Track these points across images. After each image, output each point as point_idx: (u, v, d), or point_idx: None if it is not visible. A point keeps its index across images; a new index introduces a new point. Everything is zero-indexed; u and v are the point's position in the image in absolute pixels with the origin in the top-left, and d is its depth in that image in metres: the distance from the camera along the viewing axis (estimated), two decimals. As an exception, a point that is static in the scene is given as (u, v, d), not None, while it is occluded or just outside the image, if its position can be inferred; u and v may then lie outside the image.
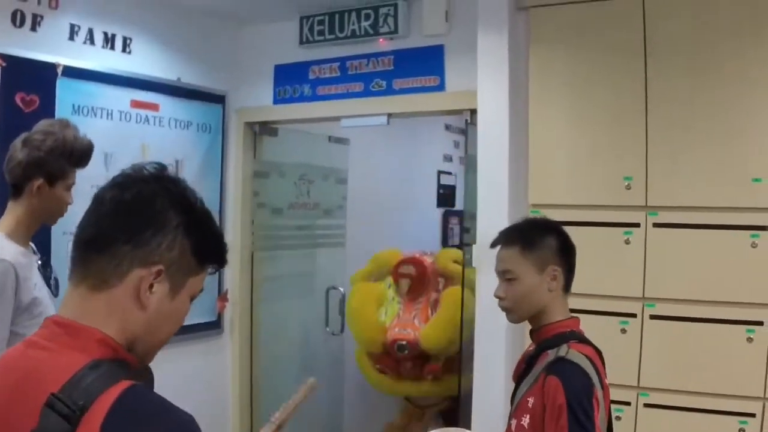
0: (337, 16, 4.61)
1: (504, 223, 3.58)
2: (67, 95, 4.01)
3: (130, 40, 4.37)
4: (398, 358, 4.89)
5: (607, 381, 2.33)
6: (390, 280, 5.16)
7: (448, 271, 4.94)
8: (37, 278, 2.72)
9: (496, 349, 3.75)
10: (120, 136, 4.26)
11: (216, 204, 4.91)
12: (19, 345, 1.38)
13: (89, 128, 3.88)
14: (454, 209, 7.42)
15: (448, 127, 7.17)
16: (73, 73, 4.02)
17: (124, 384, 1.25)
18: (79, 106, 4.08)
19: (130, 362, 1.35)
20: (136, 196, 1.38)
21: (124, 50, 4.35)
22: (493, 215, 3.72)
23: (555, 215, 3.46)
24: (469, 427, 3.61)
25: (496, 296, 2.46)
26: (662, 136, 3.43)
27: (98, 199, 1.39)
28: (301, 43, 4.78)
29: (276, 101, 4.95)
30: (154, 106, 4.52)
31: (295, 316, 5.54)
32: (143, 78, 4.43)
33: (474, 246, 3.85)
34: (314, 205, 5.60)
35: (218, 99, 4.97)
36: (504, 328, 3.63)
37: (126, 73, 4.34)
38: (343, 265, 5.73)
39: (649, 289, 3.45)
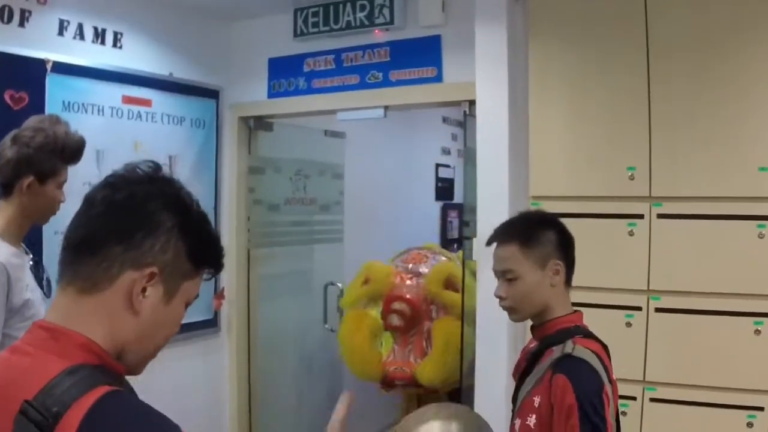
0: (331, 7, 4.53)
1: (504, 216, 3.52)
2: (57, 92, 3.94)
3: (121, 34, 4.30)
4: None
5: (614, 376, 2.26)
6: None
7: (440, 300, 4.84)
8: (29, 279, 2.66)
9: (497, 344, 3.70)
10: (112, 132, 4.19)
11: (211, 201, 4.86)
12: (4, 351, 1.32)
13: (80, 125, 3.80)
14: (452, 202, 7.40)
15: (445, 120, 7.14)
16: (63, 69, 3.95)
17: (103, 389, 1.18)
18: (69, 103, 4.01)
19: (116, 371, 1.29)
20: (129, 196, 1.32)
21: (114, 45, 4.27)
22: (493, 208, 3.66)
23: (556, 207, 3.43)
24: None
25: (497, 296, 2.38)
26: (666, 125, 3.37)
27: (89, 200, 1.33)
28: (296, 35, 4.70)
29: (270, 95, 4.88)
30: (146, 102, 4.46)
31: (293, 313, 5.49)
32: (135, 73, 4.36)
33: (474, 239, 3.80)
34: (311, 200, 5.54)
35: (212, 94, 4.90)
36: (506, 322, 3.50)
37: (117, 68, 4.26)
38: (341, 260, 5.68)
39: (654, 281, 3.39)
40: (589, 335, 2.29)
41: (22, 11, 3.76)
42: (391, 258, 5.32)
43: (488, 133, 3.74)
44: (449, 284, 4.81)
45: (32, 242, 2.94)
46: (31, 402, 1.14)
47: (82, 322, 1.26)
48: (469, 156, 4.07)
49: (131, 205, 1.31)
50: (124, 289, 1.28)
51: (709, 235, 3.30)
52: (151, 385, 4.25)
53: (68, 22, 4.00)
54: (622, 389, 2.50)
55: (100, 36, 4.19)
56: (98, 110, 4.17)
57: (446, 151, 7.39)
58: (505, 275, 2.34)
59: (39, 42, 3.86)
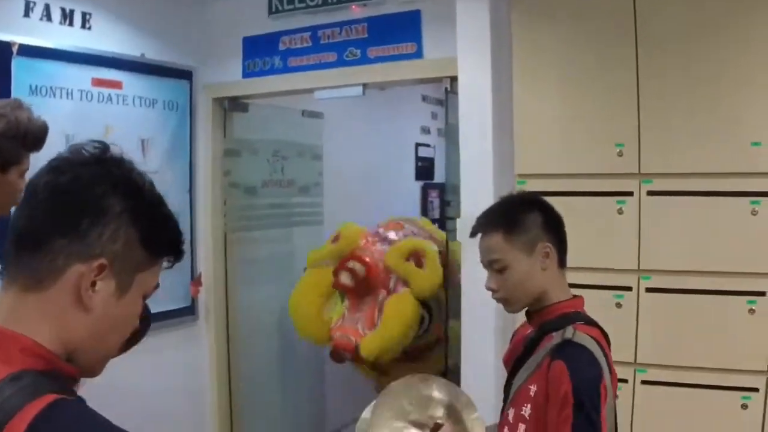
0: (307, -18, 4.39)
1: (489, 195, 3.50)
2: (23, 75, 3.79)
3: (90, 15, 4.14)
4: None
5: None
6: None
7: (397, 271, 4.61)
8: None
9: (484, 327, 3.62)
10: (82, 116, 4.05)
11: (186, 185, 4.74)
12: None
13: (49, 109, 3.67)
14: (433, 182, 7.31)
15: (425, 98, 7.05)
16: (29, 51, 3.80)
17: (48, 398, 1.06)
18: (36, 87, 3.86)
19: (69, 374, 1.17)
20: (73, 181, 1.18)
21: (83, 26, 4.12)
22: (477, 187, 3.58)
23: (542, 185, 3.37)
24: None
25: (488, 289, 2.27)
26: (655, 100, 3.27)
27: (32, 187, 1.21)
28: (271, 12, 4.56)
29: (245, 75, 4.74)
30: (117, 84, 4.31)
31: (273, 298, 5.36)
32: (105, 55, 4.21)
33: (458, 219, 3.69)
34: (289, 182, 5.42)
35: (185, 75, 4.76)
36: (493, 305, 3.43)
37: (86, 50, 4.11)
38: (321, 243, 5.45)
39: (644, 260, 3.30)
40: (590, 322, 2.18)
41: (-15, -8, 3.61)
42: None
43: (471, 110, 3.64)
44: (414, 258, 4.61)
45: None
46: None
47: (27, 322, 1.14)
48: (451, 134, 3.98)
49: (76, 189, 1.18)
50: (71, 285, 1.16)
51: (701, 213, 3.22)
52: (126, 378, 4.18)
53: (34, 2, 3.85)
54: (613, 372, 2.42)
55: (67, 17, 4.03)
56: (67, 94, 4.03)
57: (426, 130, 7.30)
58: (492, 266, 2.24)
59: (4, 24, 3.71)
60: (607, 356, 2.09)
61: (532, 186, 3.43)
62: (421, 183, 7.29)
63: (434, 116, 7.22)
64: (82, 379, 1.27)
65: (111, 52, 4.25)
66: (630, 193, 3.32)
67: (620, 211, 3.33)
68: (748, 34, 3.13)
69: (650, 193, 3.29)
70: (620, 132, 3.32)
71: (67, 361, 1.18)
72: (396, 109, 6.51)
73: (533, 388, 2.10)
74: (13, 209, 2.62)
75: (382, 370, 4.72)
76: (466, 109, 3.65)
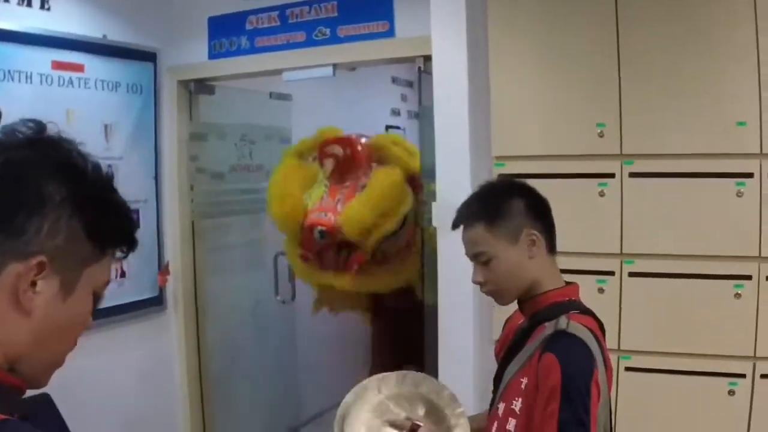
0: (274, -41, 4.24)
1: (466, 178, 3.40)
2: (-20, 59, 3.62)
3: (49, -5, 3.98)
4: (319, 246, 4.50)
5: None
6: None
7: (385, 152, 4.49)
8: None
9: (462, 313, 3.52)
10: (41, 101, 3.89)
11: (151, 170, 4.60)
12: None
13: (6, 94, 3.52)
14: (404, 165, 7.15)
15: (395, 80, 6.91)
16: (-14, 33, 3.63)
17: None
18: (-6, 70, 3.71)
19: (10, 386, 1.04)
20: (4, 167, 1.04)
21: (42, 7, 3.95)
22: (453, 170, 3.48)
23: (521, 168, 3.29)
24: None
25: (475, 282, 2.17)
26: (637, 78, 3.17)
27: None
28: (237, -9, 4.43)
29: (212, 56, 4.60)
30: (78, 67, 4.15)
31: (243, 285, 5.26)
32: (65, 36, 4.04)
33: (434, 203, 3.58)
34: (257, 167, 5.28)
35: (149, 57, 4.59)
36: (470, 293, 3.40)
37: (45, 31, 3.94)
38: (290, 229, 5.41)
39: (627, 244, 3.22)
40: (585, 311, 2.08)
41: (-64, -30, 3.43)
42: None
43: (446, 90, 3.52)
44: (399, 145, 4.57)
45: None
46: None
47: None
48: (425, 115, 3.85)
49: (8, 178, 1.04)
50: (8, 287, 1.03)
51: (685, 195, 3.13)
52: (92, 372, 4.06)
53: (-10, -17, 3.68)
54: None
55: (25, -3, 3.87)
56: (26, 77, 3.86)
57: (396, 113, 7.18)
58: (477, 259, 2.13)
59: (-43, 6, 3.54)
60: (602, 347, 1.99)
61: (511, 169, 3.34)
62: (392, 165, 7.14)
63: (404, 98, 7.09)
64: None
65: (71, 34, 4.09)
66: (611, 175, 3.23)
67: (602, 194, 3.24)
68: (732, 10, 3.03)
69: (632, 174, 3.20)
70: (601, 112, 3.23)
71: (8, 372, 1.05)
72: (365, 92, 6.40)
73: (524, 381, 2.00)
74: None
75: (362, 281, 4.58)
76: (440, 90, 3.53)
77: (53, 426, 3.14)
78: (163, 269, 4.67)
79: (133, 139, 4.47)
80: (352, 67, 4.58)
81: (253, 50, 4.44)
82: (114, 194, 1.14)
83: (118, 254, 1.16)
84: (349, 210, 4.29)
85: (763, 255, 3.02)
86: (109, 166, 4.20)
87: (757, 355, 3.04)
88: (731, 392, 3.07)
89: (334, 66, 4.18)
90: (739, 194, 3.03)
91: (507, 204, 2.12)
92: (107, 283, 1.16)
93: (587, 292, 3.08)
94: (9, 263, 1.02)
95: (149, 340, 4.66)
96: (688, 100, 3.09)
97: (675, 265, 3.14)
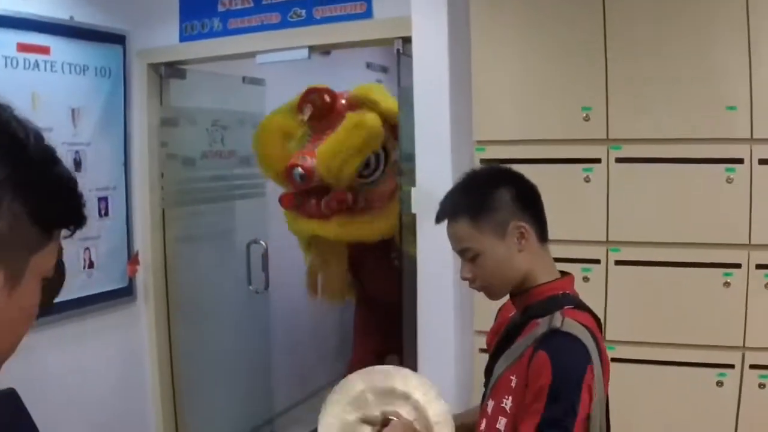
0: (247, -64, 4.13)
1: (447, 163, 3.31)
2: (-61, 41, 3.49)
3: (13, -26, 3.82)
4: (305, 191, 4.54)
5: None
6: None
7: (363, 98, 4.54)
8: None
9: (442, 303, 3.45)
10: (6, 84, 3.74)
11: (120, 157, 4.46)
12: None
13: (-31, 77, 3.37)
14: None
15: (369, 65, 6.85)
16: (-54, 15, 3.50)
17: None
18: (-45, 53, 3.57)
19: None
20: None
21: (6, -14, 3.80)
22: (433, 154, 3.40)
23: (504, 152, 3.20)
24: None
25: (464, 278, 2.05)
26: (624, 60, 3.08)
27: None
28: (209, -30, 4.30)
29: (183, 39, 4.46)
30: (44, 50, 4.00)
31: (215, 275, 5.15)
32: (30, 18, 3.89)
33: (413, 189, 3.49)
34: (230, 153, 5.16)
35: (117, 39, 4.45)
36: (452, 278, 3.34)
37: (9, 12, 3.79)
38: (263, 216, 5.37)
39: (613, 231, 3.15)
40: (580, 305, 1.97)
41: None
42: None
43: (426, 73, 3.42)
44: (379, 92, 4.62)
45: None
46: None
47: None
48: (404, 99, 3.75)
49: None
50: None
51: (673, 181, 3.06)
52: (59, 365, 3.94)
53: (-51, -39, 3.54)
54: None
55: (-12, -24, 3.72)
56: (-10, 60, 3.72)
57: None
58: (464, 255, 2.01)
59: None
60: (599, 344, 1.88)
61: (492, 153, 3.25)
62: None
63: (378, 82, 7.01)
64: (5, 365, 1.01)
65: (37, 15, 3.93)
66: (597, 160, 3.15)
67: (587, 180, 3.16)
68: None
69: (619, 160, 3.12)
70: (586, 95, 3.14)
71: None
72: (339, 77, 6.28)
73: (514, 379, 1.89)
74: None
75: (345, 229, 4.61)
76: (420, 72, 3.44)
77: (18, 421, 3.05)
78: (132, 259, 4.55)
79: (102, 125, 4.33)
80: (328, 50, 4.50)
81: (226, 32, 4.31)
82: (59, 167, 1.00)
83: (65, 233, 1.03)
84: (320, 150, 4.37)
85: (752, 243, 2.97)
86: (77, 152, 4.09)
87: (746, 346, 2.99)
88: (720, 383, 3.02)
89: (310, 48, 4.07)
90: (729, 180, 2.96)
91: (492, 194, 2.00)
92: (53, 267, 1.03)
93: (572, 281, 3.03)
94: None
95: (118, 332, 4.54)
96: (677, 82, 3.01)
97: (662, 253, 3.08)
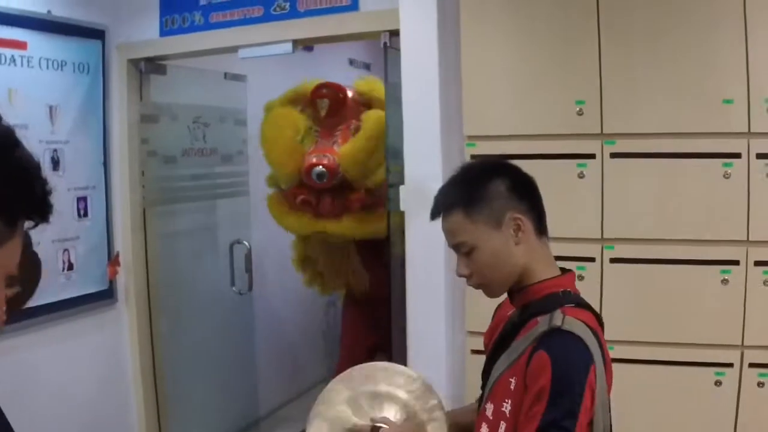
0: (229, -73, 4.06)
1: (437, 160, 3.25)
2: None
3: (-12, -34, 3.73)
4: (317, 189, 4.57)
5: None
6: (308, 111, 4.84)
7: (370, 96, 4.64)
8: None
9: (432, 301, 3.40)
10: (-20, 80, 3.67)
11: (100, 155, 4.36)
12: None
13: (-57, 73, 3.28)
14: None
15: (352, 62, 6.83)
16: None
17: None
18: (-73, 48, 3.47)
19: None
20: None
21: (-20, -21, 3.70)
22: (423, 151, 3.34)
23: (495, 148, 3.14)
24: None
25: (460, 275, 1.96)
26: (618, 53, 3.03)
27: None
28: (189, -37, 4.22)
29: (163, 33, 4.37)
30: (20, 45, 3.90)
31: (198, 276, 5.07)
32: (6, 11, 3.79)
33: (402, 187, 3.43)
34: (212, 150, 5.08)
35: (96, 34, 4.35)
36: (442, 277, 3.30)
37: (-16, 6, 3.70)
38: (247, 216, 5.29)
39: (608, 229, 3.09)
40: (581, 303, 1.89)
41: None
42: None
43: (414, 66, 3.36)
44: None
45: None
46: None
47: None
48: (391, 93, 3.69)
49: None
50: None
51: (669, 176, 3.01)
52: (39, 370, 3.84)
53: None
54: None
55: (-39, -32, 3.62)
56: (-36, 56, 3.64)
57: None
58: (459, 249, 1.93)
59: None
60: (601, 344, 1.80)
61: (483, 149, 3.20)
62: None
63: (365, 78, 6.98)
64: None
65: (13, 9, 3.83)
66: (592, 156, 3.09)
67: (581, 175, 3.10)
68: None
69: (614, 155, 3.07)
70: (580, 88, 3.08)
71: None
72: (322, 74, 6.24)
73: (513, 381, 1.81)
74: None
75: (356, 226, 4.66)
76: (409, 66, 3.37)
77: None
78: (112, 260, 4.46)
79: (80, 122, 4.24)
80: (312, 44, 4.46)
81: (208, 26, 4.23)
82: (20, 152, 0.90)
83: (27, 224, 0.94)
84: (347, 149, 4.44)
85: (751, 239, 2.92)
86: (55, 150, 3.99)
87: (744, 344, 2.95)
88: (718, 383, 2.97)
89: (294, 42, 3.99)
90: (726, 175, 2.91)
91: (486, 186, 1.92)
92: (18, 263, 0.94)
93: (566, 279, 2.97)
94: None
95: (99, 336, 4.45)
96: (673, 75, 2.96)
97: (659, 251, 3.03)
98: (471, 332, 3.29)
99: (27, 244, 2.20)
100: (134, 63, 4.50)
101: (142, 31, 4.42)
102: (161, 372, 4.74)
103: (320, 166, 4.38)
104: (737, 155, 2.90)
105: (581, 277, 3.05)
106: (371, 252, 4.88)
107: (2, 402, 2.86)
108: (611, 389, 1.86)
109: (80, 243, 4.20)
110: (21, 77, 3.87)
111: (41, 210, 0.94)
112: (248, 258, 5.07)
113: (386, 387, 2.14)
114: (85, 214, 4.25)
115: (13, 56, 3.84)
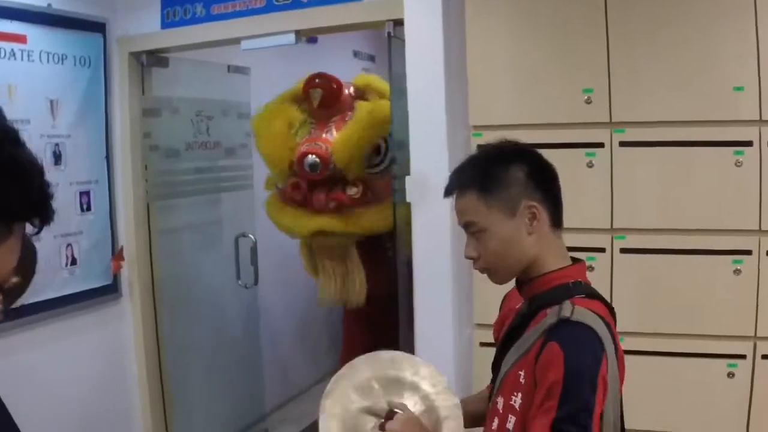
0: None
1: (442, 150, 3.20)
2: None
3: (-14, -41, 3.67)
4: (311, 183, 4.48)
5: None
6: (304, 105, 4.76)
7: (368, 88, 4.63)
8: None
9: (439, 294, 3.35)
10: (-22, 75, 3.62)
11: (102, 150, 4.32)
12: None
13: (-58, 67, 3.24)
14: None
15: (356, 54, 6.79)
16: None
17: None
18: (-75, 42, 3.42)
19: None
20: None
21: (-21, -28, 3.65)
22: (428, 141, 3.29)
23: (502, 138, 3.05)
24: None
25: (468, 257, 1.91)
26: (626, 40, 2.98)
27: None
28: (190, -47, 4.18)
29: (164, 25, 4.32)
30: (20, 38, 3.84)
31: (202, 271, 5.01)
32: (5, 5, 3.74)
33: (408, 178, 3.38)
34: (215, 144, 5.02)
35: (97, 27, 4.30)
36: (448, 269, 3.26)
37: (-18, -1, 3.65)
38: (251, 209, 5.22)
39: (618, 218, 3.05)
40: (592, 294, 1.84)
41: None
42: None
43: (419, 56, 3.30)
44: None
45: None
46: None
47: None
48: (395, 84, 3.63)
49: None
50: None
51: (680, 165, 2.96)
52: (42, 366, 3.80)
53: None
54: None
55: (-41, -39, 3.57)
56: (-39, 49, 3.58)
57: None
58: (468, 229, 1.88)
59: None
60: (613, 335, 1.76)
61: (490, 139, 3.02)
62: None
63: (366, 73, 6.92)
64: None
65: (13, 2, 3.78)
66: (600, 145, 3.05)
67: (590, 165, 3.06)
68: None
69: (623, 143, 3.02)
70: (588, 76, 3.04)
71: None
72: (326, 66, 6.19)
73: (522, 375, 1.76)
74: None
75: (351, 220, 4.57)
76: (413, 55, 3.32)
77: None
78: (116, 255, 4.41)
79: (82, 116, 4.19)
80: (315, 34, 4.39)
81: (210, 18, 4.18)
82: (20, 151, 0.86)
83: (30, 229, 0.89)
84: (338, 137, 4.35)
85: (763, 228, 2.89)
86: (56, 144, 3.95)
87: (757, 335, 2.91)
88: (731, 374, 2.93)
89: (297, 33, 3.93)
90: (738, 164, 2.87)
91: (505, 170, 1.86)
92: (15, 269, 0.90)
93: (575, 270, 2.93)
94: None
95: (103, 331, 4.41)
96: (682, 62, 2.91)
97: (669, 241, 2.99)
98: (479, 324, 3.25)
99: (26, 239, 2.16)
100: (135, 56, 4.45)
101: (143, 24, 4.37)
102: (166, 366, 4.70)
103: (313, 155, 4.30)
104: (749, 143, 2.85)
105: (591, 268, 3.00)
106: (371, 251, 4.81)
107: (5, 399, 2.84)
108: (623, 382, 1.81)
109: (83, 238, 4.16)
110: (21, 71, 3.83)
111: (39, 213, 0.90)
112: (254, 251, 5.02)
113: (409, 377, 2.10)
114: (88, 209, 4.21)
115: (12, 50, 3.78)
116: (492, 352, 2.00)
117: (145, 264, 4.60)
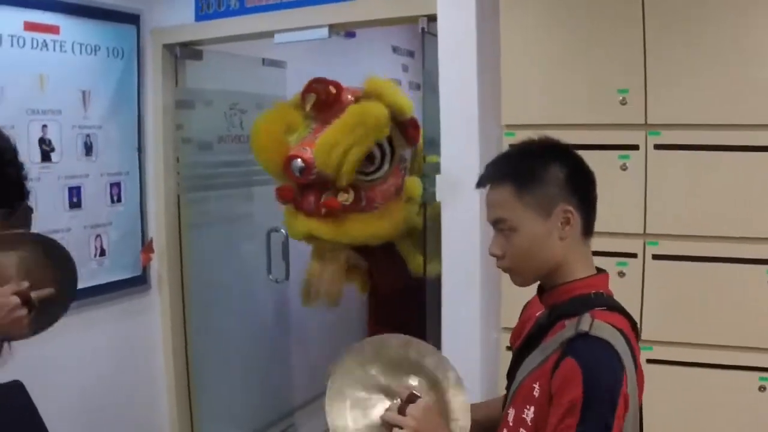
0: None
1: (474, 149, 3.15)
2: (-58, 19, 3.36)
3: (21, -51, 3.69)
4: (301, 186, 4.35)
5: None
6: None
7: (367, 92, 4.32)
8: None
9: (467, 296, 3.30)
10: (12, 65, 3.63)
11: (134, 141, 4.33)
12: None
13: (-26, 57, 3.25)
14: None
15: (395, 50, 6.75)
16: (-52, -9, 3.37)
17: None
18: (-41, 32, 3.44)
19: None
20: None
21: (13, -37, 3.66)
22: (459, 140, 3.23)
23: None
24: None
25: (492, 254, 1.85)
26: (664, 40, 2.89)
27: None
28: (225, -54, 4.17)
29: (198, 18, 4.33)
30: (53, 29, 3.86)
31: (233, 264, 5.01)
32: (39, -4, 3.76)
33: (438, 176, 3.34)
34: (248, 137, 4.97)
35: (131, 18, 4.31)
36: (478, 270, 3.22)
37: (15, -11, 3.66)
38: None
39: (651, 223, 2.97)
40: (613, 306, 1.77)
41: None
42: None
43: (452, 53, 3.25)
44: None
45: None
46: None
47: None
48: (428, 80, 3.57)
49: None
50: None
51: (716, 170, 2.87)
52: (71, 357, 3.81)
53: (-46, -65, 3.41)
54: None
55: (-7, -50, 3.57)
56: (-5, 40, 3.61)
57: (397, 83, 6.96)
58: (497, 225, 1.81)
59: None
60: (633, 350, 1.69)
61: (522, 138, 3.05)
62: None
63: (405, 69, 6.91)
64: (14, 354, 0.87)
65: (46, -7, 3.80)
66: (635, 147, 2.97)
67: (624, 167, 2.99)
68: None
69: (658, 146, 2.94)
70: (623, 77, 2.96)
71: None
72: (364, 61, 6.21)
73: (537, 388, 1.71)
74: None
75: (343, 228, 4.34)
76: (446, 52, 3.27)
77: (24, 414, 2.94)
78: (146, 247, 4.43)
79: (114, 107, 4.20)
80: (348, 29, 4.33)
81: (244, 11, 4.18)
82: None
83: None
84: (318, 140, 4.13)
85: (801, 237, 2.78)
86: (88, 135, 3.96)
87: (792, 348, 2.81)
88: (762, 388, 2.84)
89: (330, 27, 3.92)
90: (777, 170, 2.77)
91: (544, 168, 1.81)
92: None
93: (606, 276, 2.86)
94: None
95: (131, 323, 4.43)
96: (722, 63, 2.81)
97: (704, 248, 2.90)
98: (506, 328, 3.19)
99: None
100: (169, 48, 4.46)
101: (177, 16, 4.38)
102: (193, 360, 4.71)
103: (298, 159, 4.16)
104: (790, 148, 2.76)
105: (622, 274, 2.95)
106: (383, 253, 4.69)
107: (33, 388, 2.85)
108: (642, 393, 1.75)
109: (113, 229, 4.17)
110: (53, 62, 3.84)
111: (14, 197, 0.87)
112: (285, 246, 4.97)
113: (431, 366, 2.08)
114: (119, 200, 4.21)
115: (45, 41, 3.80)
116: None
117: (175, 257, 4.60)
